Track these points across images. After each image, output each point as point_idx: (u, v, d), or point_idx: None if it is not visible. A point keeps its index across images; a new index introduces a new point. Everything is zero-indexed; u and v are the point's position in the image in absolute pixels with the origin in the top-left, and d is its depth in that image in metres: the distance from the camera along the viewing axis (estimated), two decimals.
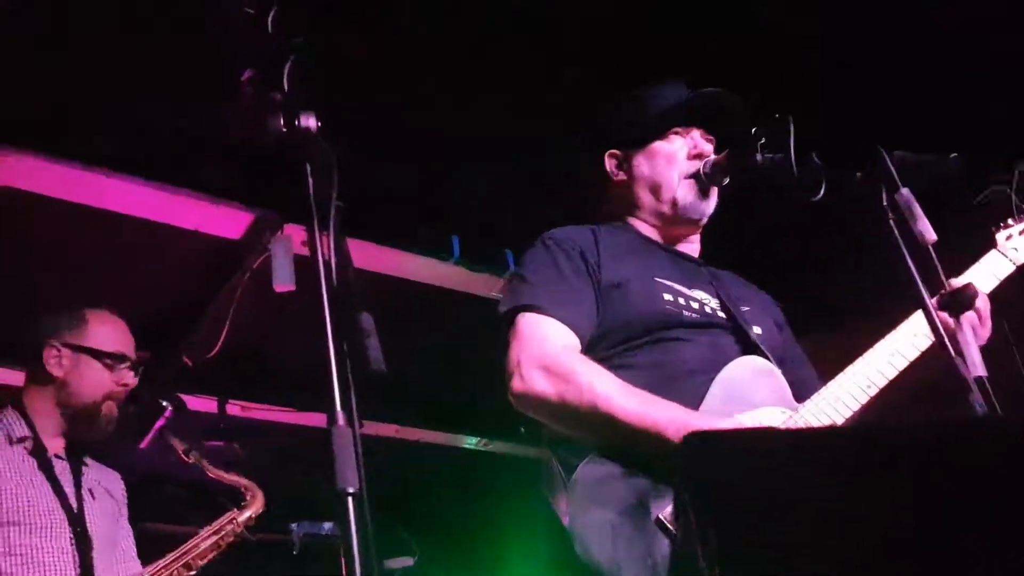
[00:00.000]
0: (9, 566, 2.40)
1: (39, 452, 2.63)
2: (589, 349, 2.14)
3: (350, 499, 1.35)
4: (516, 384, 2.09)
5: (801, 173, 2.02)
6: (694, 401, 2.03)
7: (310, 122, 1.62)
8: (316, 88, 1.68)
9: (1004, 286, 2.35)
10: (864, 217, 1.90)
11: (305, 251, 1.56)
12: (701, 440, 1.38)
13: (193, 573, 2.72)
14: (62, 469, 2.66)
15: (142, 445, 3.04)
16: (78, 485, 2.66)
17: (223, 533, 2.80)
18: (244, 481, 2.92)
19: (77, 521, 2.57)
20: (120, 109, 3.46)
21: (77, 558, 2.51)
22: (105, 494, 2.76)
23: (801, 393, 2.15)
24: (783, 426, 2.03)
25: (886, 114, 3.17)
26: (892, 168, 1.87)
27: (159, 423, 4.14)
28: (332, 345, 1.45)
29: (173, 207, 3.74)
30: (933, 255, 1.85)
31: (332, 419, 1.41)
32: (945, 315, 1.88)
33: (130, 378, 2.75)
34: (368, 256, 4.04)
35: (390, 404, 4.98)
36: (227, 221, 3.92)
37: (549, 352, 2.08)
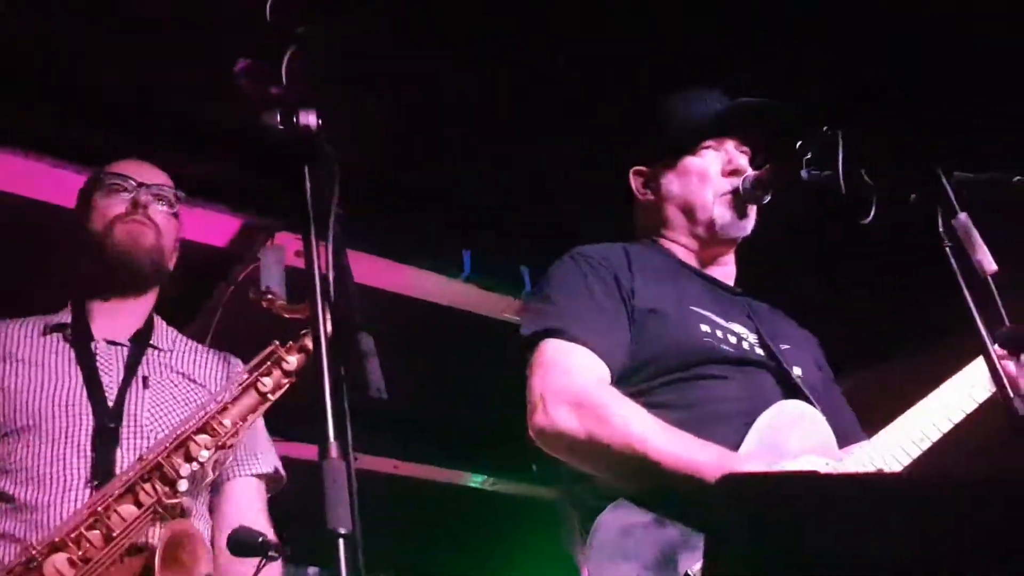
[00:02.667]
0: (11, 487, 2.23)
1: (80, 339, 2.42)
2: (619, 382, 2.15)
3: (341, 541, 1.36)
4: (539, 419, 2.08)
5: (850, 192, 2.04)
6: (731, 447, 2.04)
7: (310, 120, 1.63)
8: (316, 83, 1.70)
9: None
10: (918, 243, 1.92)
11: (299, 262, 1.57)
12: (737, 484, 1.38)
13: (221, 441, 2.25)
14: (109, 356, 2.43)
15: None
16: (130, 371, 2.41)
17: (263, 377, 2.31)
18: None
19: (109, 413, 2.32)
20: (107, 107, 3.52)
21: (92, 456, 2.26)
22: (181, 379, 2.50)
23: (842, 442, 2.17)
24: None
25: (948, 128, 3.18)
26: (950, 190, 1.89)
27: None
28: (327, 368, 1.46)
29: None
30: (993, 288, 1.87)
31: (324, 451, 1.41)
32: (1005, 356, 1.90)
33: (144, 196, 2.52)
34: (370, 270, 4.06)
35: (389, 436, 4.99)
36: (214, 226, 3.94)
37: (578, 385, 2.08)
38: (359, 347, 1.51)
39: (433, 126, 3.79)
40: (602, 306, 2.22)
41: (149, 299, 2.58)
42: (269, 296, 2.43)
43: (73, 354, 2.40)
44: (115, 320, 2.50)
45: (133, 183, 2.53)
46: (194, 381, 2.52)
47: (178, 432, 2.23)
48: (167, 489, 2.16)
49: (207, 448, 2.22)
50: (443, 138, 3.83)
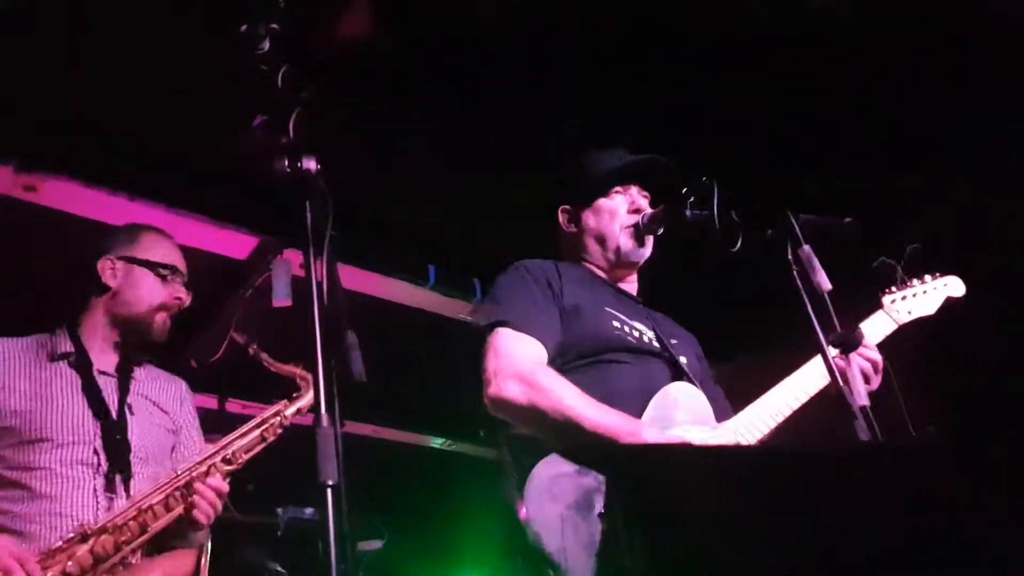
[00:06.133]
0: (32, 480, 2.16)
1: (82, 367, 2.33)
2: (551, 362, 2.14)
3: (330, 490, 1.35)
4: (492, 391, 2.07)
5: (722, 228, 2.06)
6: (632, 415, 2.04)
7: (311, 164, 1.63)
8: (318, 133, 1.69)
9: (891, 337, 2.42)
10: (772, 267, 1.94)
11: (302, 272, 1.56)
12: (630, 452, 1.39)
13: (234, 467, 2.29)
14: (105, 384, 2.35)
15: None
16: (122, 401, 2.35)
17: (267, 426, 2.36)
18: (299, 371, 2.46)
19: (109, 433, 2.26)
20: (150, 146, 3.47)
21: (103, 467, 2.22)
22: (150, 406, 2.42)
23: (717, 416, 2.19)
24: (705, 442, 2.06)
25: (797, 180, 3.24)
26: (797, 228, 1.92)
27: None
28: (321, 356, 1.46)
29: (189, 230, 3.71)
30: (828, 302, 1.89)
31: (318, 420, 1.41)
32: (837, 353, 1.92)
33: (182, 292, 2.45)
34: (356, 280, 4.04)
35: (368, 407, 4.96)
36: (235, 243, 3.90)
37: (521, 363, 2.07)
38: (346, 340, 1.50)
39: (412, 172, 3.79)
40: (538, 303, 2.22)
41: None
42: (254, 347, 2.48)
43: (79, 381, 2.32)
44: (107, 357, 2.42)
45: (181, 279, 2.46)
46: (157, 406, 2.46)
47: (206, 456, 2.26)
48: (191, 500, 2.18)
49: (222, 474, 2.25)
50: (417, 180, 3.83)
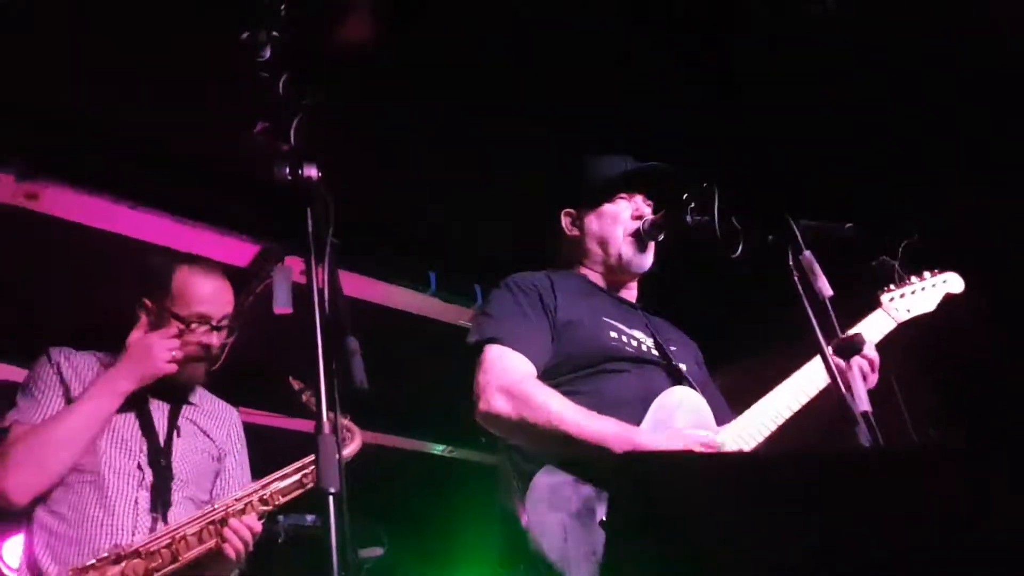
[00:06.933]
0: (81, 485, 2.20)
1: (137, 395, 2.32)
2: (544, 376, 2.15)
3: (331, 498, 1.35)
4: (482, 406, 2.08)
5: (722, 233, 2.06)
6: (633, 424, 2.04)
7: (312, 171, 1.63)
8: (319, 140, 1.69)
9: (889, 337, 2.41)
10: (774, 273, 1.94)
11: (303, 280, 1.56)
12: (631, 460, 1.39)
13: (270, 508, 2.28)
14: (156, 407, 2.37)
15: None
16: (171, 423, 2.36)
17: (308, 471, 2.35)
18: (347, 422, 2.46)
19: (153, 453, 2.28)
20: (151, 153, 3.48)
21: (147, 481, 2.24)
22: (197, 432, 2.42)
23: (717, 420, 2.19)
24: (708, 444, 2.06)
25: (798, 186, 3.24)
26: (797, 233, 1.92)
27: None
28: (322, 363, 1.46)
29: (190, 237, 3.72)
30: (830, 308, 1.89)
31: (319, 427, 1.41)
32: (838, 358, 1.92)
33: (209, 338, 2.37)
34: (357, 286, 4.04)
35: (370, 414, 4.94)
36: (236, 250, 3.90)
37: (510, 378, 2.09)
38: (347, 347, 1.50)
39: (413, 177, 3.80)
40: (528, 318, 2.23)
41: None
42: (307, 393, 2.39)
43: (133, 400, 2.32)
44: (159, 382, 2.38)
45: (209, 326, 2.39)
46: (204, 432, 2.47)
47: (244, 495, 2.27)
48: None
49: (259, 514, 2.27)
50: (418, 185, 3.84)
